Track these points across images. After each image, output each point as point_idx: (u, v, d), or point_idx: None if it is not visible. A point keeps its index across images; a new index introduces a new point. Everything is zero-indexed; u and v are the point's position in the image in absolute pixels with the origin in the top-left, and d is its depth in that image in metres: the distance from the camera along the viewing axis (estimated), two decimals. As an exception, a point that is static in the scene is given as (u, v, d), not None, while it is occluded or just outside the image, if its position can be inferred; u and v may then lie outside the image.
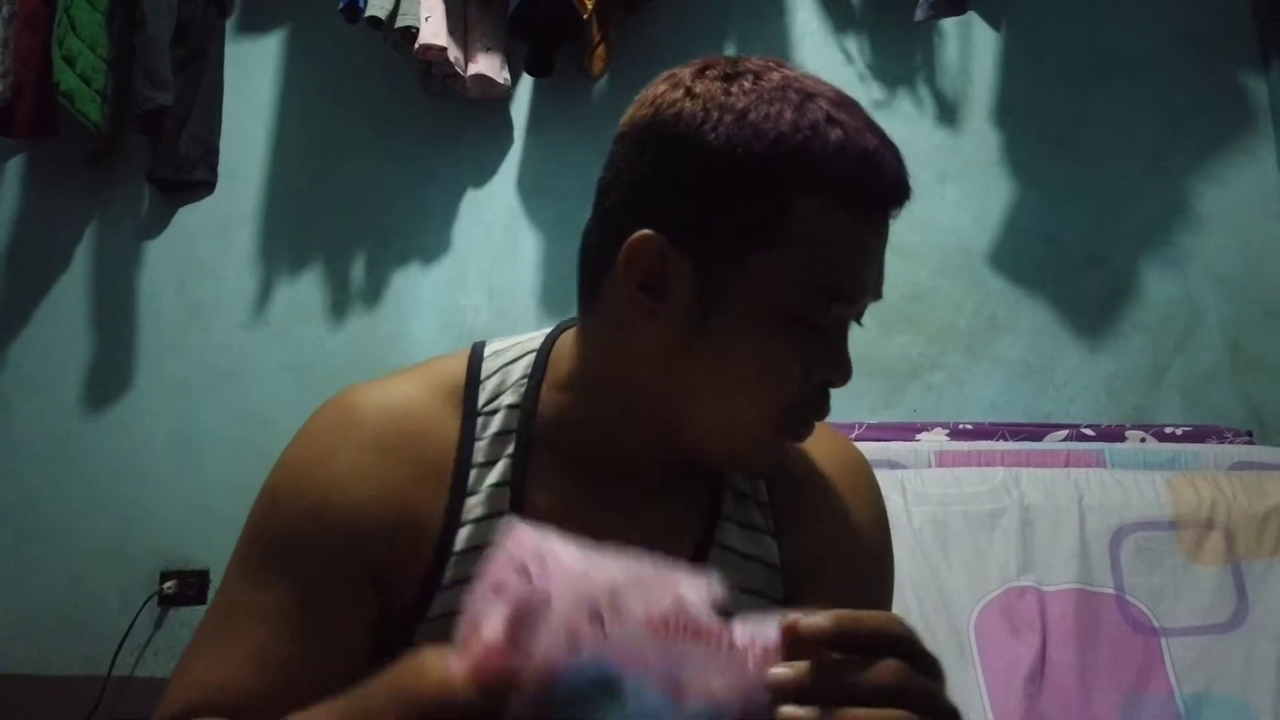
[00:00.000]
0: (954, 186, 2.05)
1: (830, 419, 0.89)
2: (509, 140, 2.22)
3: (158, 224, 2.32)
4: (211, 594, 1.65)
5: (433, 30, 1.98)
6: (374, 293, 2.21)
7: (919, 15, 1.90)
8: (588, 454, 0.68)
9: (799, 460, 0.73)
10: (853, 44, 2.13)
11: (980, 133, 2.07)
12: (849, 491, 0.74)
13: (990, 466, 1.73)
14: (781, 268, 0.60)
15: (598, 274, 0.66)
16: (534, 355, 0.71)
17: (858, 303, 0.63)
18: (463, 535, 0.65)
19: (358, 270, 2.23)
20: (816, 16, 2.15)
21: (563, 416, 0.68)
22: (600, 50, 2.07)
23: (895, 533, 0.79)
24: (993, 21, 2.08)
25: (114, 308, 2.30)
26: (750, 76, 0.62)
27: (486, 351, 0.72)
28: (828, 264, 0.60)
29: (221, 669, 0.62)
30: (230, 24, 2.36)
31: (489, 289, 2.18)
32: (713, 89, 0.61)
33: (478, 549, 0.64)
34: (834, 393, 0.67)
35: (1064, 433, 1.83)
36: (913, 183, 0.63)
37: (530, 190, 2.18)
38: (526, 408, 0.68)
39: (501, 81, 2.10)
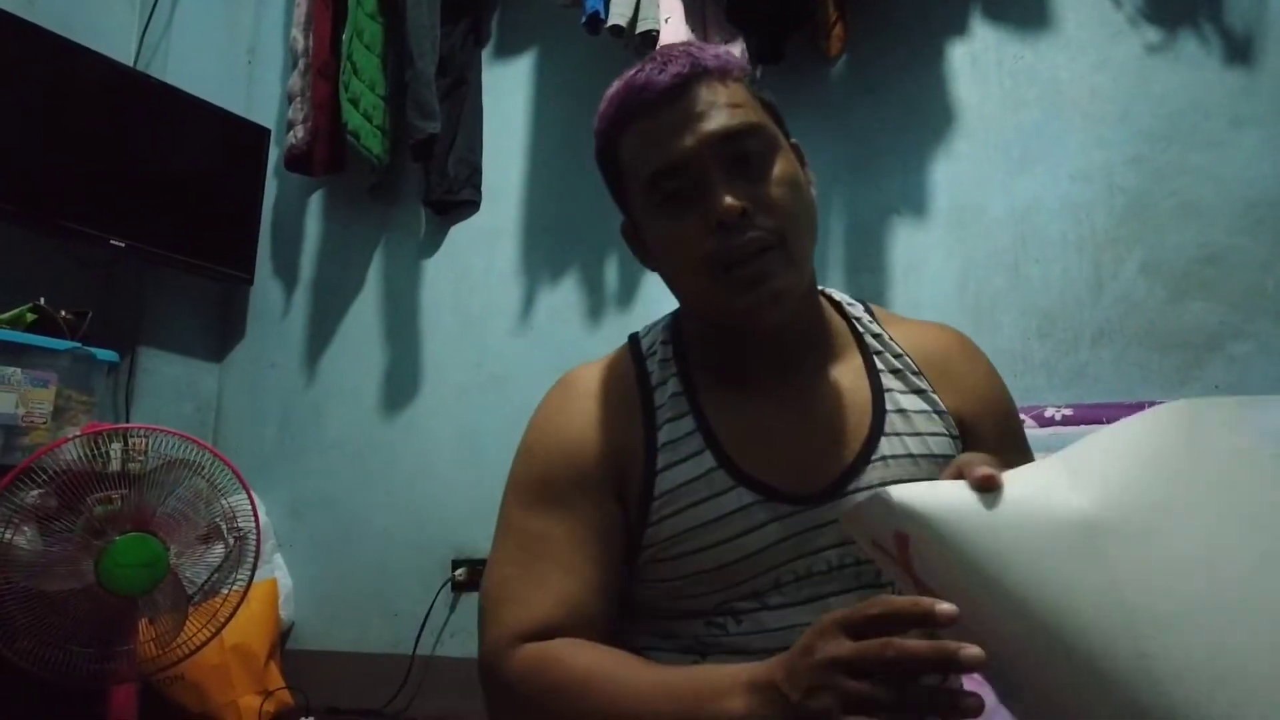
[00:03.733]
0: (1252, 132, 1.81)
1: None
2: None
3: (433, 243, 2.53)
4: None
5: (673, 30, 2.02)
6: (627, 295, 2.29)
7: None
8: (733, 361, 0.89)
9: (924, 340, 0.95)
10: (1120, -13, 1.94)
11: (1282, 68, 1.81)
12: (972, 358, 0.96)
13: (1314, 446, 1.51)
14: (634, 183, 0.86)
15: None
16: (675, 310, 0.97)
17: (681, 167, 0.81)
18: (663, 434, 0.86)
19: (611, 275, 2.31)
20: (1076, -37, 1.98)
21: (694, 338, 0.92)
22: (838, 30, 2.02)
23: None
24: (1293, -62, 1.81)
25: (401, 322, 2.54)
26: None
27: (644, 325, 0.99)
28: (644, 163, 0.83)
29: (557, 586, 0.80)
30: (485, 52, 2.53)
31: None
32: None
33: (674, 442, 0.86)
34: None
35: None
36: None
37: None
38: (674, 339, 0.93)
39: (744, 73, 2.09)
